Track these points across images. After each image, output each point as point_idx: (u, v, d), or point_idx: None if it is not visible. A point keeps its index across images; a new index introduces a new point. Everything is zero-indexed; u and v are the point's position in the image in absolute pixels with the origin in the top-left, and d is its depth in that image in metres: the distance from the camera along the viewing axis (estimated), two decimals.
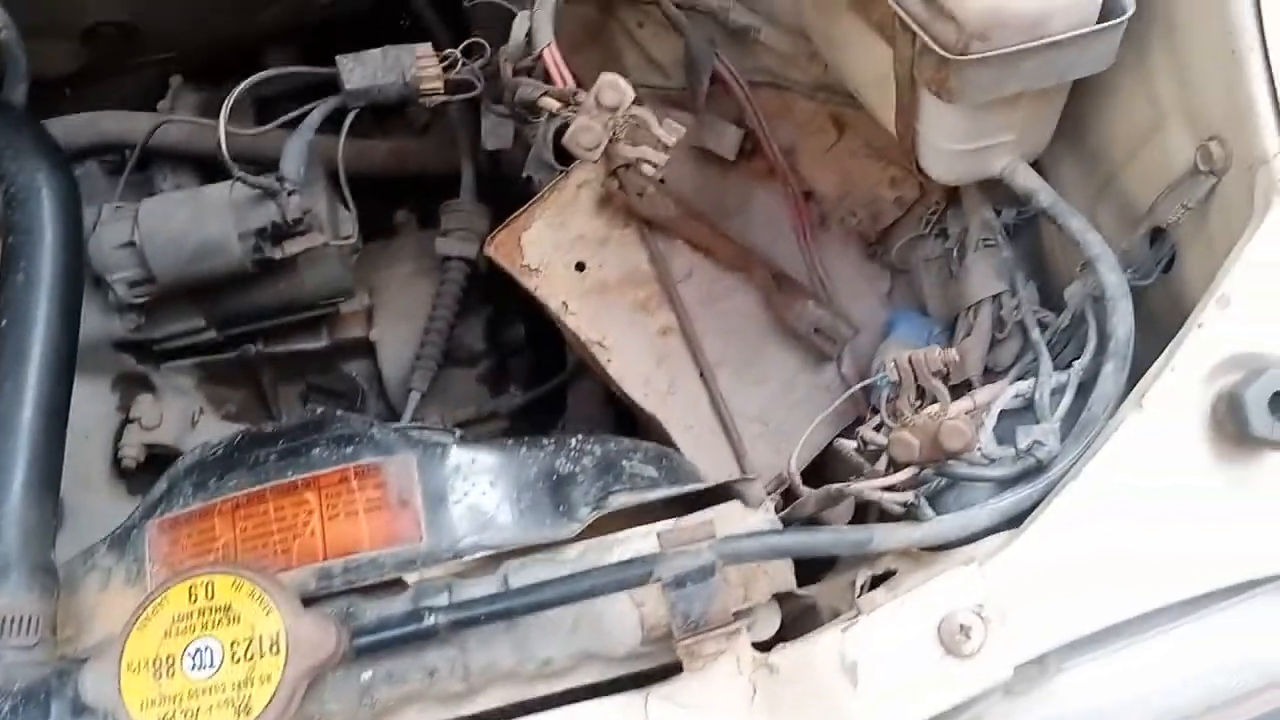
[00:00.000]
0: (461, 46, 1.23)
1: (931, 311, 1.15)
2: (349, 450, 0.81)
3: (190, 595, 0.71)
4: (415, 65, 1.20)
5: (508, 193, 1.40)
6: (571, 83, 0.98)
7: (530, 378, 1.46)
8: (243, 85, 1.24)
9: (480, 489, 0.81)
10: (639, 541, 0.80)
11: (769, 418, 1.19)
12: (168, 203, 1.25)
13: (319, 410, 0.88)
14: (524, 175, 1.28)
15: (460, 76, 1.22)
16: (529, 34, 1.03)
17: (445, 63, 1.22)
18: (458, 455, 0.82)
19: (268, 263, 1.25)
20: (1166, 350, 0.75)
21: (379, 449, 0.81)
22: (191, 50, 1.73)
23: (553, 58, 0.99)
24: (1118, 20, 0.80)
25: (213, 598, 0.71)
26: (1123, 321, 0.83)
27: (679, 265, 1.23)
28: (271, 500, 0.79)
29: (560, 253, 1.23)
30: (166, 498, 0.84)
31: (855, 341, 1.19)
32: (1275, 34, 0.74)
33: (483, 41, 1.22)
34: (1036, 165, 0.99)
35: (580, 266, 1.24)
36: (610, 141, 0.93)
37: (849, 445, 0.92)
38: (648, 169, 0.96)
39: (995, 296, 1.04)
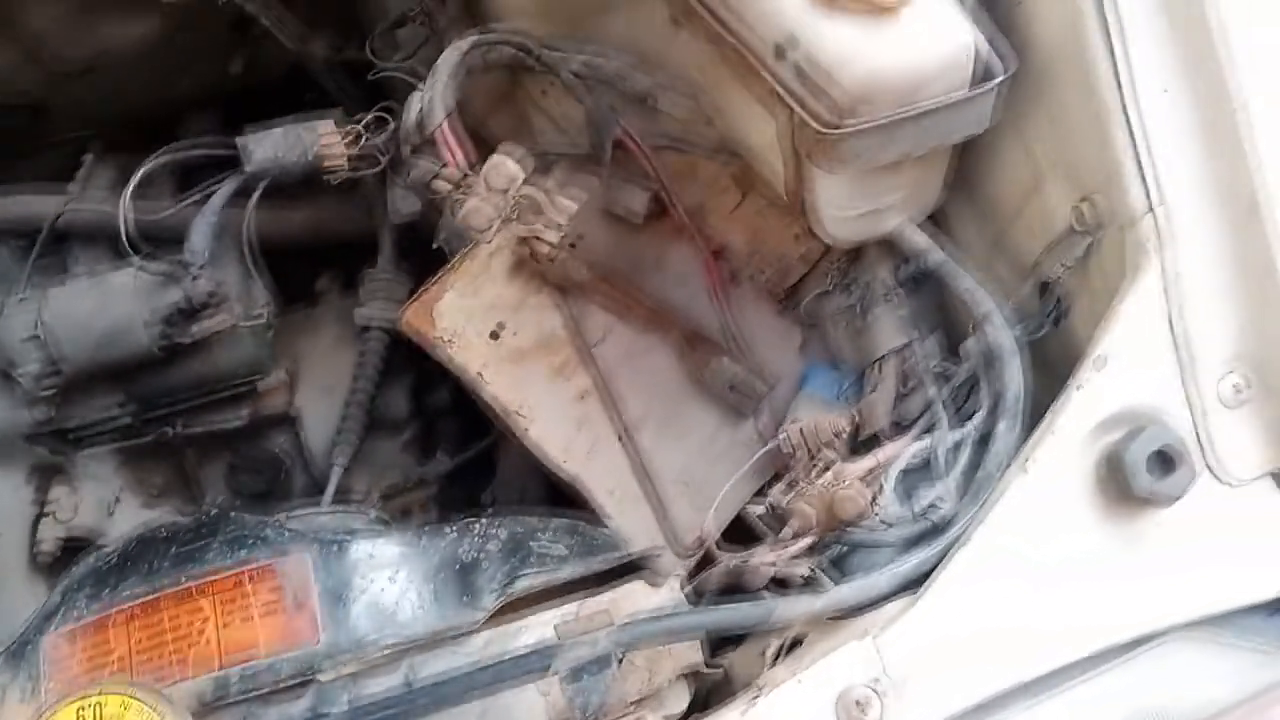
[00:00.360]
0: (365, 120, 1.24)
1: (843, 366, 1.16)
2: (243, 552, 0.80)
3: (78, 717, 0.70)
4: (317, 142, 1.21)
5: (429, 254, 1.40)
6: (464, 163, 0.98)
7: (458, 441, 1.45)
8: (145, 166, 1.24)
9: (380, 584, 0.80)
10: (543, 628, 0.79)
11: (691, 476, 1.19)
12: (73, 291, 1.23)
13: (213, 510, 0.86)
14: (434, 245, 1.27)
15: (364, 151, 1.23)
16: (422, 113, 1.03)
17: (348, 137, 1.23)
18: (357, 550, 0.82)
19: (178, 346, 1.24)
20: (1049, 412, 0.76)
21: (274, 549, 0.80)
22: (106, 124, 1.72)
23: (445, 138, 0.99)
24: (989, 86, 0.81)
25: (101, 719, 0.70)
26: (1013, 380, 0.84)
27: (594, 327, 1.23)
28: (166, 609, 0.78)
29: (474, 321, 1.23)
30: (62, 608, 0.83)
31: (772, 395, 1.19)
32: (1136, 97, 0.75)
33: (386, 115, 1.22)
34: (937, 217, 1.01)
35: (495, 334, 1.23)
36: (504, 221, 0.93)
37: (755, 511, 0.92)
38: (542, 247, 0.96)
39: (900, 349, 1.05)
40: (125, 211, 1.19)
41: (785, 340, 1.22)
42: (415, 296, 1.25)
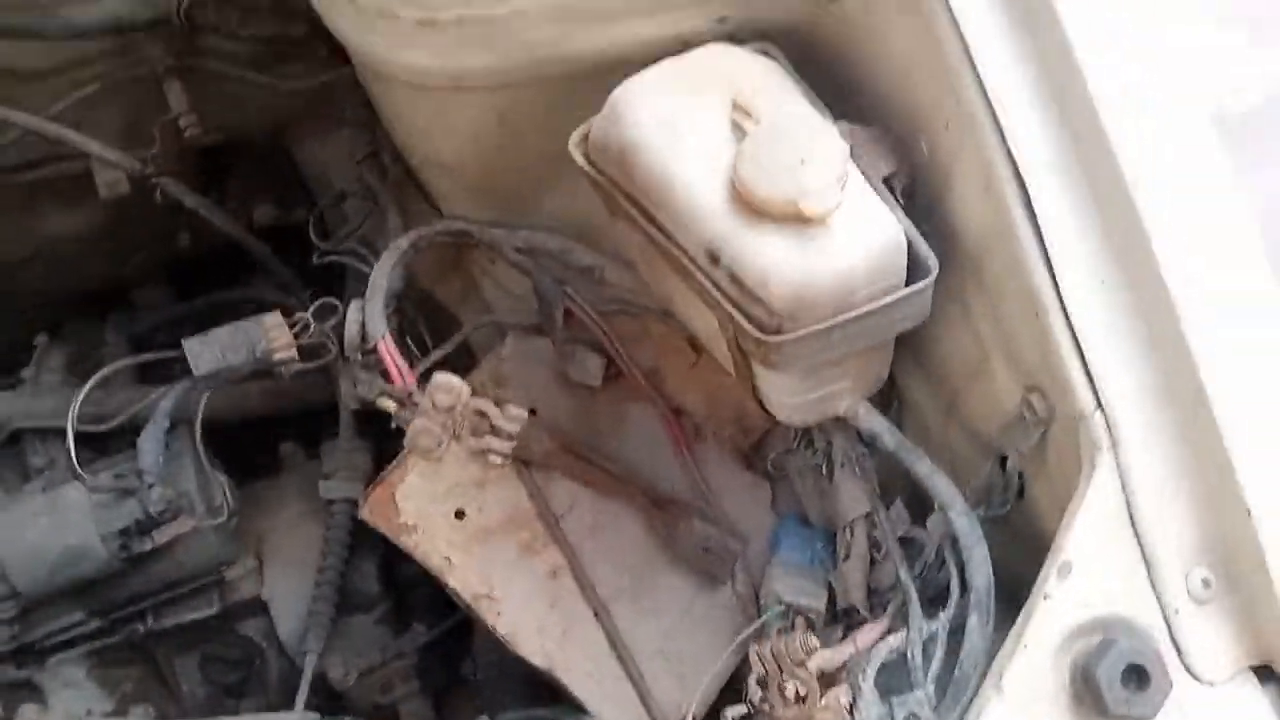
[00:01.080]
0: (312, 309, 1.23)
1: (814, 520, 1.14)
2: None
3: None
4: (264, 337, 1.19)
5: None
6: (409, 378, 0.96)
7: (433, 610, 1.42)
8: (90, 383, 1.22)
9: None
10: None
11: (670, 648, 1.16)
12: (24, 513, 1.20)
13: None
14: (393, 426, 1.25)
15: (314, 340, 1.22)
16: (363, 325, 1.02)
17: (296, 327, 1.21)
18: None
19: (139, 555, 1.21)
20: (1016, 624, 0.74)
21: None
22: (58, 301, 1.71)
23: (388, 354, 0.97)
24: (921, 285, 0.80)
25: None
26: (979, 570, 0.82)
27: (560, 499, 1.21)
28: None
29: (437, 504, 1.20)
30: None
31: (745, 553, 1.17)
32: (1073, 294, 0.74)
33: (334, 302, 1.21)
34: (889, 378, 1.00)
35: (460, 514, 1.21)
36: (453, 437, 0.92)
37: (735, 715, 0.89)
38: (494, 459, 0.94)
39: (867, 514, 1.03)
40: (72, 428, 1.17)
41: (754, 495, 1.20)
42: (376, 482, 1.23)
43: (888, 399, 1.03)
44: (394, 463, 1.23)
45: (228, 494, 1.29)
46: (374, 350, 0.99)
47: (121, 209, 1.40)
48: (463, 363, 1.28)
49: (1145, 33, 0.77)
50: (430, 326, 1.34)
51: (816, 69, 0.93)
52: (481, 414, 0.93)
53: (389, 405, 0.96)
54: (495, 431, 0.94)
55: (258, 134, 1.46)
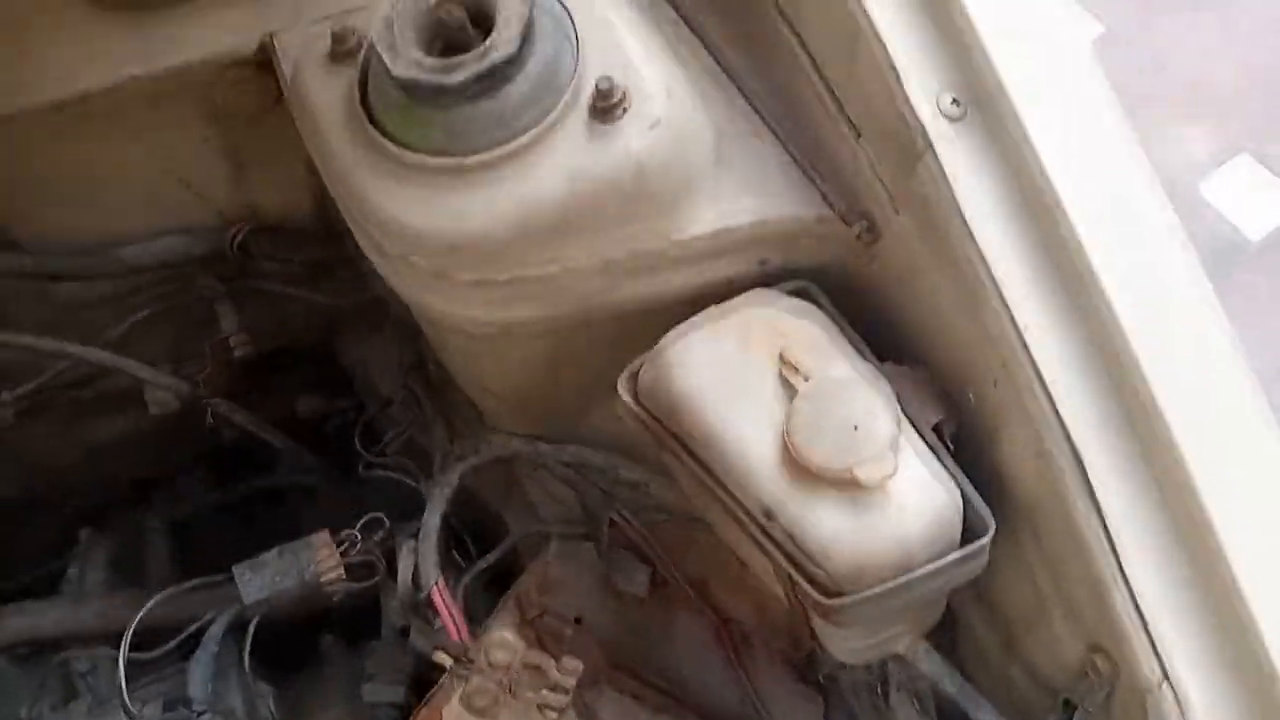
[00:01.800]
0: (359, 524, 1.24)
1: None
2: None
3: None
4: (313, 561, 1.20)
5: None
6: (464, 632, 0.97)
7: None
8: (139, 615, 1.22)
9: None
10: None
11: None
12: None
13: None
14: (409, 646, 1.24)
15: (360, 559, 1.23)
16: (415, 571, 1.03)
17: (343, 545, 1.23)
18: None
19: None
20: None
21: None
22: (98, 496, 1.73)
23: (444, 604, 0.98)
24: (978, 545, 0.81)
25: None
26: None
27: (609, 715, 1.20)
28: None
29: None
30: None
31: None
32: (1136, 569, 0.75)
33: (382, 517, 1.23)
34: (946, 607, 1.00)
35: None
36: (509, 694, 0.92)
37: None
38: (550, 715, 0.94)
39: None
40: (123, 662, 1.17)
41: (807, 708, 1.18)
42: (422, 703, 1.21)
43: (944, 624, 1.03)
44: (431, 692, 1.22)
45: (272, 709, 1.29)
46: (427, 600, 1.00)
47: (170, 416, 1.43)
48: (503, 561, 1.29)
49: None
50: (471, 518, 1.35)
51: (857, 305, 0.96)
52: (537, 669, 0.93)
53: (445, 660, 0.96)
54: (552, 686, 0.94)
55: (304, 341, 1.49)
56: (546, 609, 1.20)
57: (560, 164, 0.91)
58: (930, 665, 0.91)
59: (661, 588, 1.24)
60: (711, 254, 0.97)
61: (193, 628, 1.23)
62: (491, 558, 1.24)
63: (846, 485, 0.80)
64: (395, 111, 0.94)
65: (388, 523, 1.22)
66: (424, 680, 1.34)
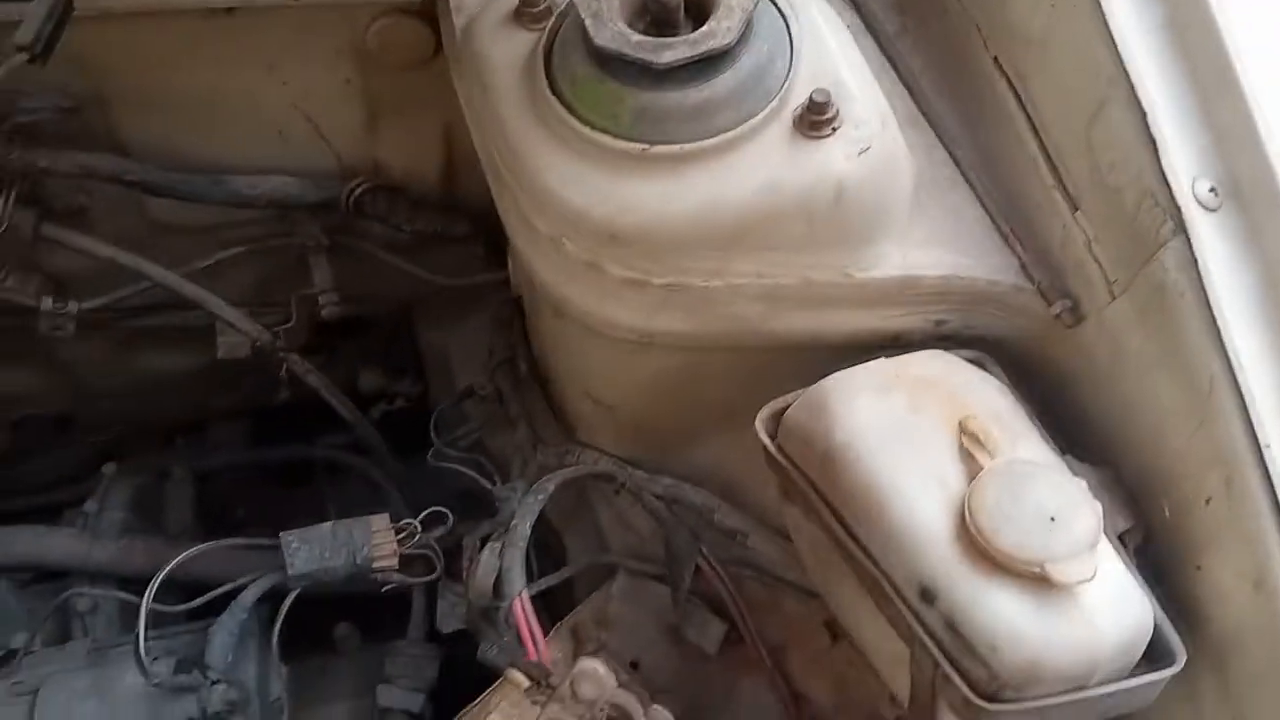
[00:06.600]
0: (420, 517, 1.15)
1: None
2: None
3: None
4: (369, 541, 1.11)
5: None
6: (545, 654, 0.87)
7: None
8: (169, 565, 1.12)
9: None
10: None
11: None
12: (70, 692, 1.10)
13: None
14: (478, 658, 1.15)
15: (416, 550, 1.14)
16: (500, 575, 0.93)
17: (402, 534, 1.14)
18: None
19: None
20: None
21: None
22: (130, 432, 1.64)
23: (525, 619, 0.89)
24: (1163, 674, 0.72)
25: None
26: None
27: None
28: None
29: None
30: None
31: None
32: None
33: (445, 511, 1.14)
34: None
35: None
36: None
37: None
38: None
39: None
40: (144, 615, 1.07)
41: None
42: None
43: None
44: (475, 701, 1.12)
45: (284, 690, 1.19)
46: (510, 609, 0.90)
47: (227, 363, 1.35)
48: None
49: None
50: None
51: (1032, 389, 0.88)
52: (623, 711, 0.84)
53: (521, 680, 0.87)
54: None
55: (386, 311, 1.41)
56: (604, 645, 1.10)
57: (755, 171, 0.84)
58: None
59: (733, 648, 1.15)
60: (889, 301, 0.90)
61: (224, 588, 1.13)
62: (552, 580, 1.15)
63: (1033, 580, 0.71)
64: (583, 84, 0.87)
65: (451, 519, 1.13)
66: (443, 693, 1.26)
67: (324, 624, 1.48)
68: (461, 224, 1.25)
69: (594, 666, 0.83)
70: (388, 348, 1.52)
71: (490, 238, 1.30)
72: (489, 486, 1.15)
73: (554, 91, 0.88)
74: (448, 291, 1.35)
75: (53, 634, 1.25)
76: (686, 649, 1.16)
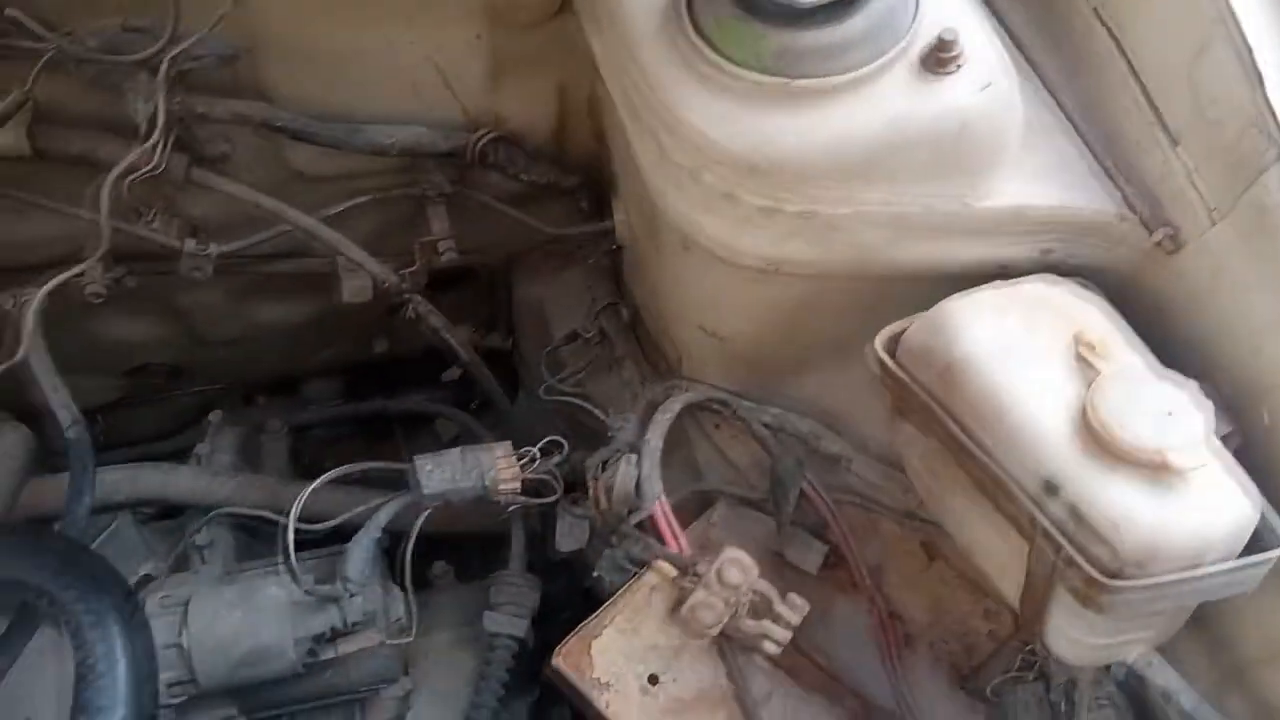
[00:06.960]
0: (540, 444, 1.22)
1: None
2: None
3: None
4: (494, 466, 1.19)
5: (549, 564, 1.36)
6: (686, 545, 0.95)
7: None
8: (315, 483, 1.20)
9: None
10: None
11: None
12: (218, 602, 1.17)
13: None
14: (594, 574, 1.23)
15: (537, 476, 1.21)
16: (639, 484, 1.01)
17: (524, 459, 1.21)
18: None
19: (318, 663, 1.18)
20: None
21: None
22: (237, 382, 1.72)
23: (665, 518, 0.96)
24: (1269, 555, 0.79)
25: None
26: None
27: (758, 685, 1.16)
28: None
29: (632, 663, 1.16)
30: None
31: None
32: None
33: (560, 440, 1.21)
34: None
35: (653, 679, 1.16)
36: (732, 617, 0.90)
37: None
38: (770, 647, 0.92)
39: None
40: (293, 525, 1.15)
41: (964, 718, 1.16)
42: (574, 632, 1.19)
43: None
44: (592, 615, 1.20)
45: (412, 612, 1.26)
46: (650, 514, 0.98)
47: (336, 311, 1.43)
48: None
49: None
50: None
51: (1132, 311, 0.95)
52: (764, 597, 0.91)
53: (668, 570, 0.94)
54: (775, 618, 0.92)
55: (487, 264, 1.49)
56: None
57: (886, 105, 0.91)
58: (1165, 677, 0.89)
59: (829, 570, 1.22)
60: (1002, 230, 0.97)
61: (357, 510, 1.21)
62: (683, 494, 1.21)
63: (1152, 468, 0.78)
64: (726, 22, 0.94)
65: (566, 446, 1.20)
66: (546, 619, 1.33)
67: (418, 565, 1.57)
68: (572, 176, 1.32)
69: (738, 554, 0.90)
70: (488, 299, 1.59)
71: (594, 190, 1.39)
72: (602, 418, 1.23)
73: (698, 32, 0.96)
74: (550, 244, 1.42)
75: (172, 567, 1.33)
76: (785, 572, 1.23)
